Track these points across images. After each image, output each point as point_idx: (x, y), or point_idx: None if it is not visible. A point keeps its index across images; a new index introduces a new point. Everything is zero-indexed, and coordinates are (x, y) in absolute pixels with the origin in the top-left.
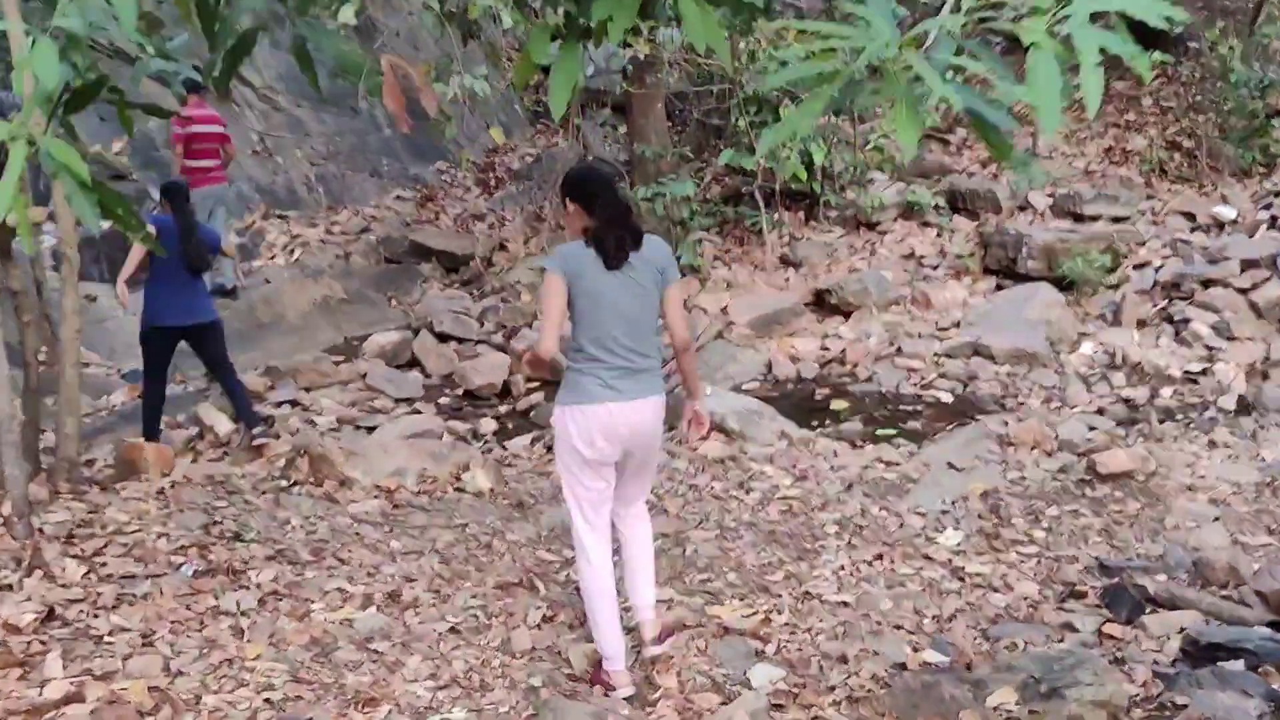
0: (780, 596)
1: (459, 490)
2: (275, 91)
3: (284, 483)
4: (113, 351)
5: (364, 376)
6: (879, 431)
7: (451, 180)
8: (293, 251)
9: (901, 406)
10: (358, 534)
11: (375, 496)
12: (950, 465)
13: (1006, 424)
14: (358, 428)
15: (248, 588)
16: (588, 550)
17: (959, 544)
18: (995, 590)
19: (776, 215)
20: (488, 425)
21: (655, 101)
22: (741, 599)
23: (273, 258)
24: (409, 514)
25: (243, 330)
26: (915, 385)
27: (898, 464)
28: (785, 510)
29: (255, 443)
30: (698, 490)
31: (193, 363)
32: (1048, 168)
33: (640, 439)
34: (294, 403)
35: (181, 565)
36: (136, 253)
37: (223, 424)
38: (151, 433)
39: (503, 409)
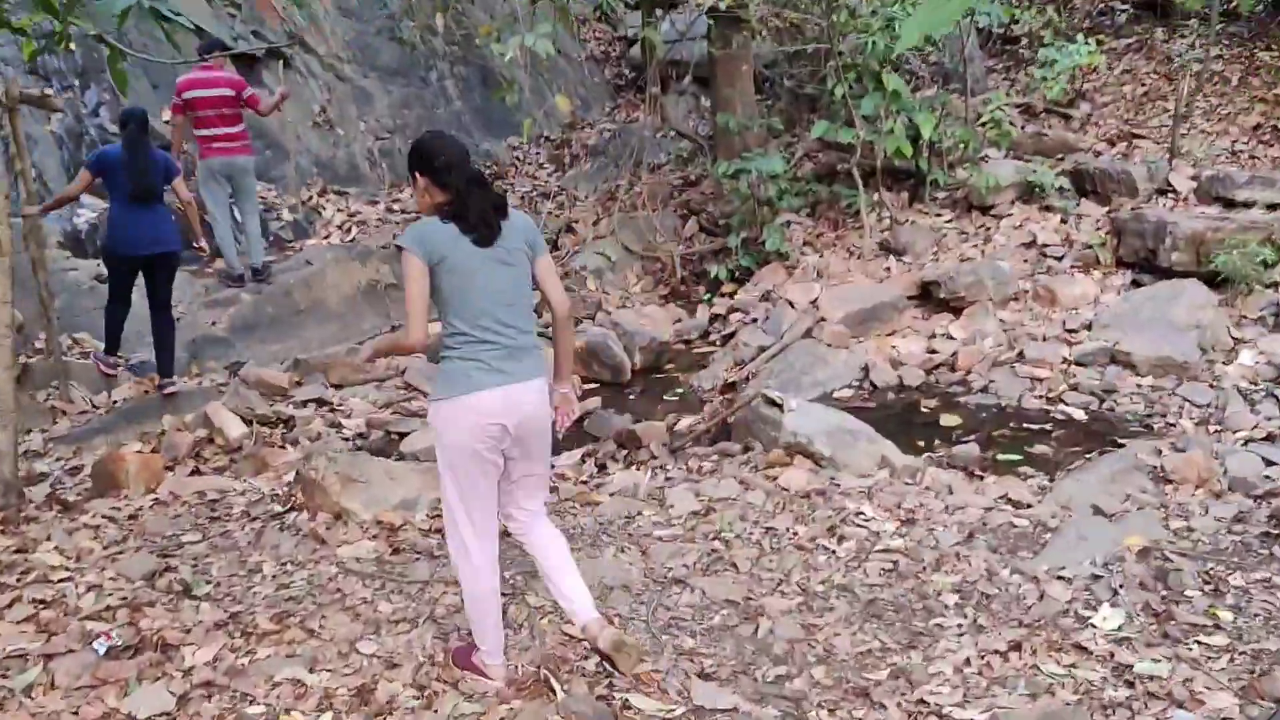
0: (885, 709)
1: None
2: (341, 60)
3: (279, 507)
4: (122, 340)
5: (402, 373)
6: (1000, 457)
7: (524, 156)
8: (349, 230)
9: (1026, 425)
10: (339, 591)
11: (373, 536)
12: (1096, 510)
13: (1160, 453)
14: (389, 434)
15: (173, 675)
16: (471, 553)
17: (1120, 627)
18: (1179, 704)
19: (876, 196)
20: None
21: (741, 67)
22: (831, 711)
23: (328, 237)
24: (410, 563)
25: (276, 316)
26: (1041, 399)
27: (1029, 506)
28: (889, 569)
29: (166, 392)
30: (775, 536)
31: (213, 351)
32: (1185, 146)
33: (532, 424)
34: (320, 402)
35: (96, 639)
36: (74, 186)
37: (234, 427)
38: (111, 347)
39: None
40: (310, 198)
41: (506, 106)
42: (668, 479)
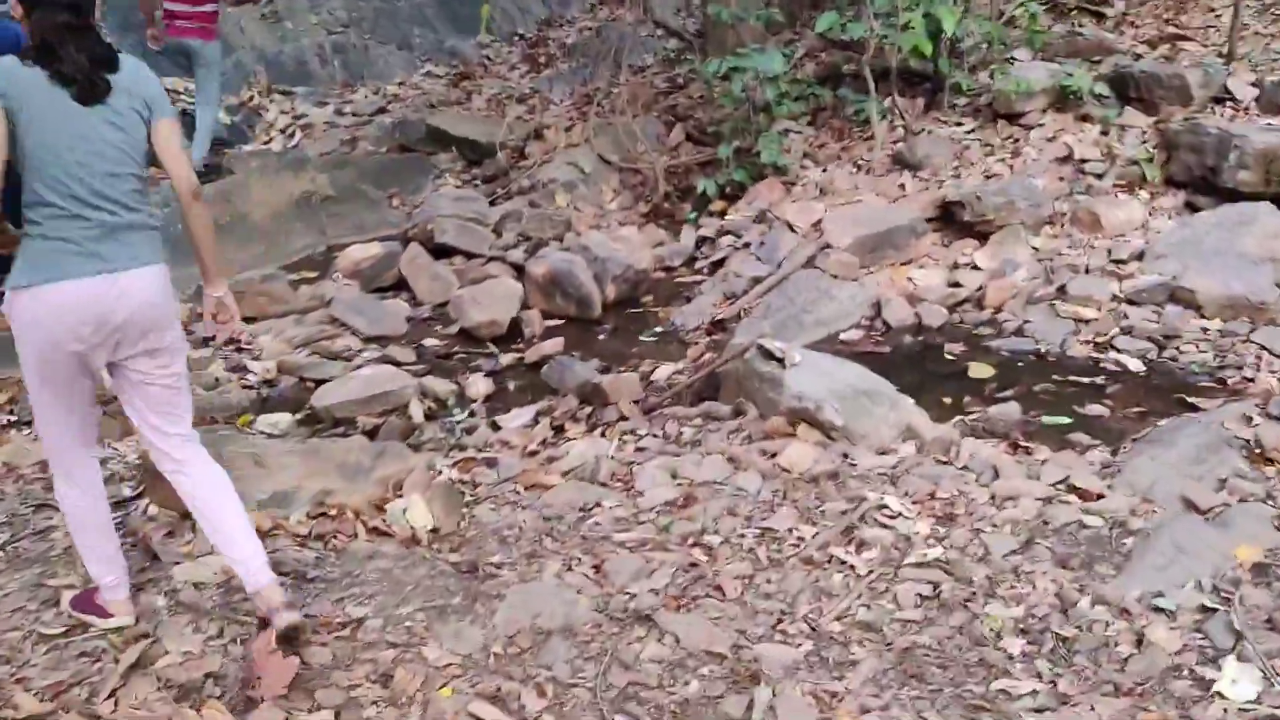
0: None
1: (379, 534)
2: None
3: (128, 491)
4: None
5: (329, 304)
6: (1045, 420)
7: (496, 56)
8: (292, 135)
9: (1073, 377)
10: (144, 659)
11: None
12: (1188, 504)
13: (1251, 421)
14: (302, 382)
15: None
16: (72, 474)
17: (1258, 698)
18: None
19: (889, 101)
20: (479, 385)
21: None
22: None
23: (268, 141)
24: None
25: None
26: (1088, 344)
27: (1099, 496)
28: (927, 594)
29: None
30: (775, 542)
31: None
32: (1242, 49)
33: (140, 321)
34: (228, 341)
35: None
36: None
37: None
38: None
39: (506, 359)
40: (251, 97)
41: (476, 3)
42: (639, 449)
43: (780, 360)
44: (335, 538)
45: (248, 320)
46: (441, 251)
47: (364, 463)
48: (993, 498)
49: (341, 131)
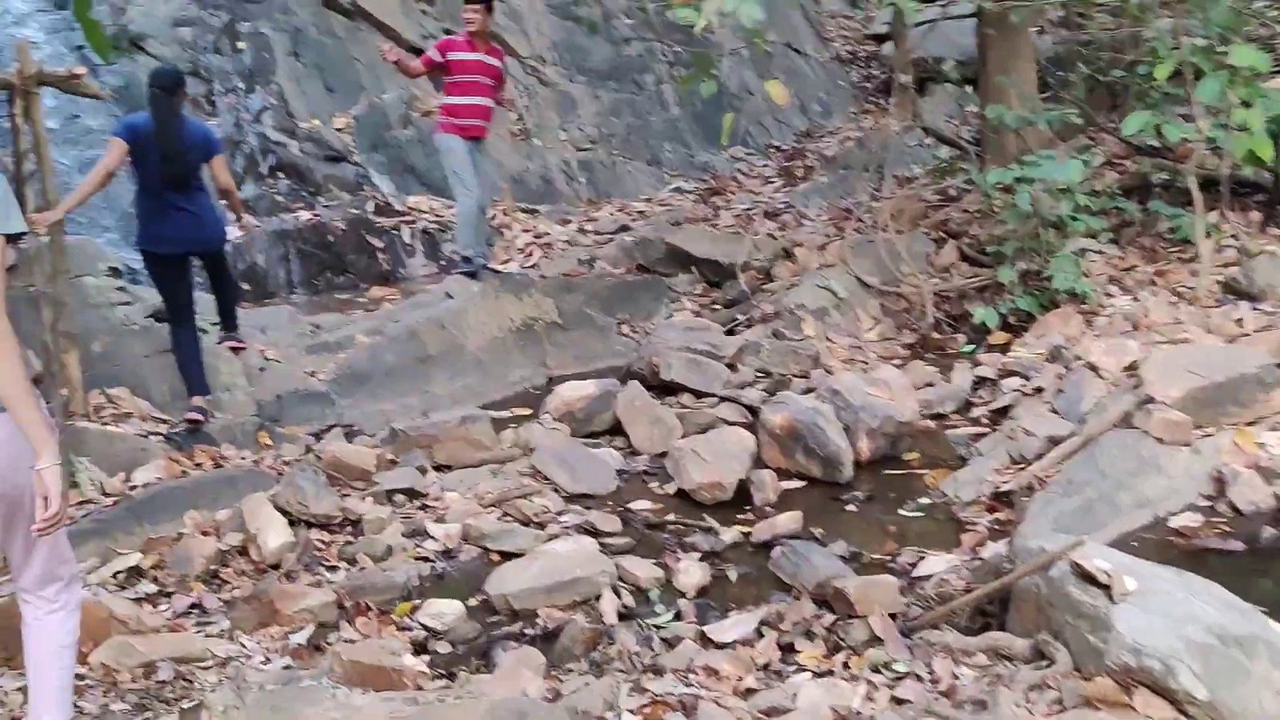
0: None
1: None
2: (544, 63)
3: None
4: (171, 396)
5: (532, 452)
6: None
7: (749, 169)
8: (530, 254)
9: None
10: None
11: None
12: None
13: None
14: (487, 554)
15: None
16: None
17: None
18: None
19: (1216, 216)
20: (692, 573)
21: (1020, 48)
22: None
23: (506, 261)
24: None
25: (397, 366)
26: None
27: None
28: None
29: (230, 345)
30: None
31: (305, 410)
32: None
33: None
34: (412, 493)
35: None
36: (90, 179)
37: (275, 533)
38: (195, 385)
39: (729, 535)
40: (494, 216)
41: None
42: (896, 699)
43: (1105, 586)
44: None
45: (440, 469)
46: (667, 389)
47: None
48: None
49: (580, 251)
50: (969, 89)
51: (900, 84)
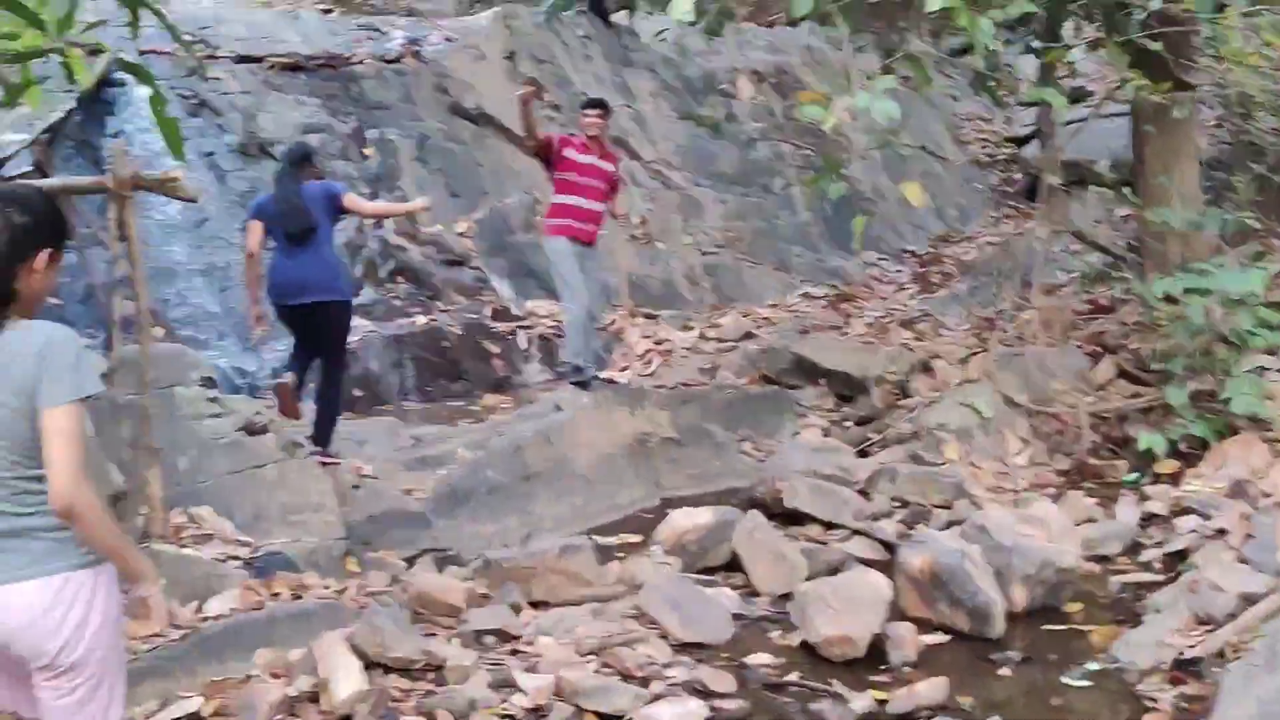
0: None
1: None
2: (670, 166)
3: None
4: (255, 517)
5: (638, 589)
6: None
7: (882, 275)
8: (649, 361)
9: None
10: None
11: None
12: None
13: None
14: (580, 714)
15: None
16: None
17: None
18: None
19: None
20: None
21: (1182, 144)
22: None
23: (624, 368)
24: None
25: (499, 484)
26: None
27: None
28: None
29: (320, 459)
30: None
31: (399, 533)
32: None
33: (27, 644)
34: (502, 635)
35: None
36: (247, 269)
37: (347, 679)
38: (322, 436)
39: (859, 703)
40: (612, 321)
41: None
42: None
43: None
44: None
45: (536, 606)
46: (791, 518)
47: None
48: None
49: (702, 359)
50: (1122, 192)
51: (1048, 186)
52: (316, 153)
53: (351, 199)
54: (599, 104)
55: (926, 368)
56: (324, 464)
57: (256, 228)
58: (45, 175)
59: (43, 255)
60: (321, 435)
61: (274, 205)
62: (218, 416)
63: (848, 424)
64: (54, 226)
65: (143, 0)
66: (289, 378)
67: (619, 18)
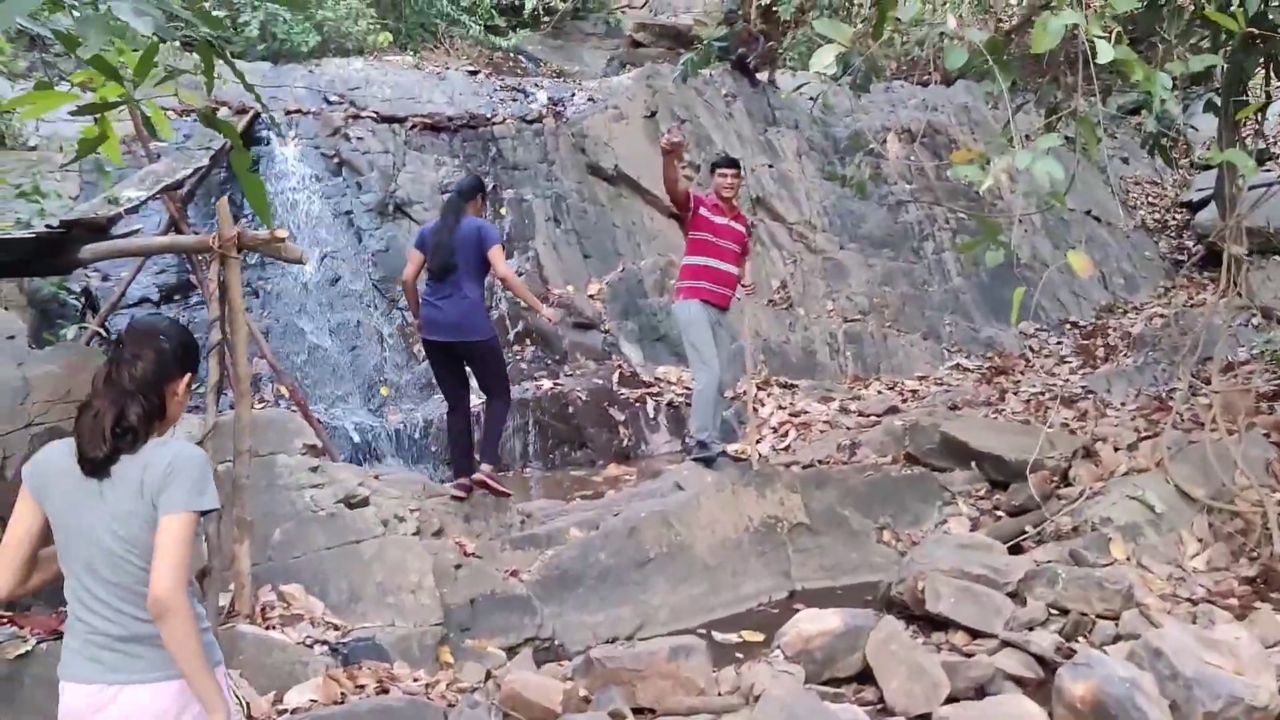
0: None
1: None
2: (813, 229)
3: None
4: (349, 597)
5: (754, 701)
6: None
7: (1040, 347)
8: (785, 434)
9: None
10: None
11: None
12: None
13: None
14: None
15: None
16: None
17: None
18: None
19: None
20: None
21: None
22: None
23: (758, 440)
24: None
25: (611, 567)
26: None
27: None
28: None
29: (480, 478)
30: None
31: (500, 619)
32: None
33: None
34: None
35: None
36: (407, 295)
37: None
38: (460, 466)
39: None
40: (744, 390)
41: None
42: None
43: None
44: None
45: (641, 713)
46: (933, 622)
47: None
48: None
49: (841, 434)
50: None
51: (1230, 255)
52: (487, 189)
53: (495, 254)
54: (734, 163)
55: (1090, 453)
56: (471, 486)
57: (416, 257)
58: (179, 231)
59: (184, 379)
60: (487, 449)
61: (431, 238)
62: (318, 487)
63: (1000, 513)
64: (193, 353)
65: (219, 53)
66: (479, 474)
67: (764, 75)
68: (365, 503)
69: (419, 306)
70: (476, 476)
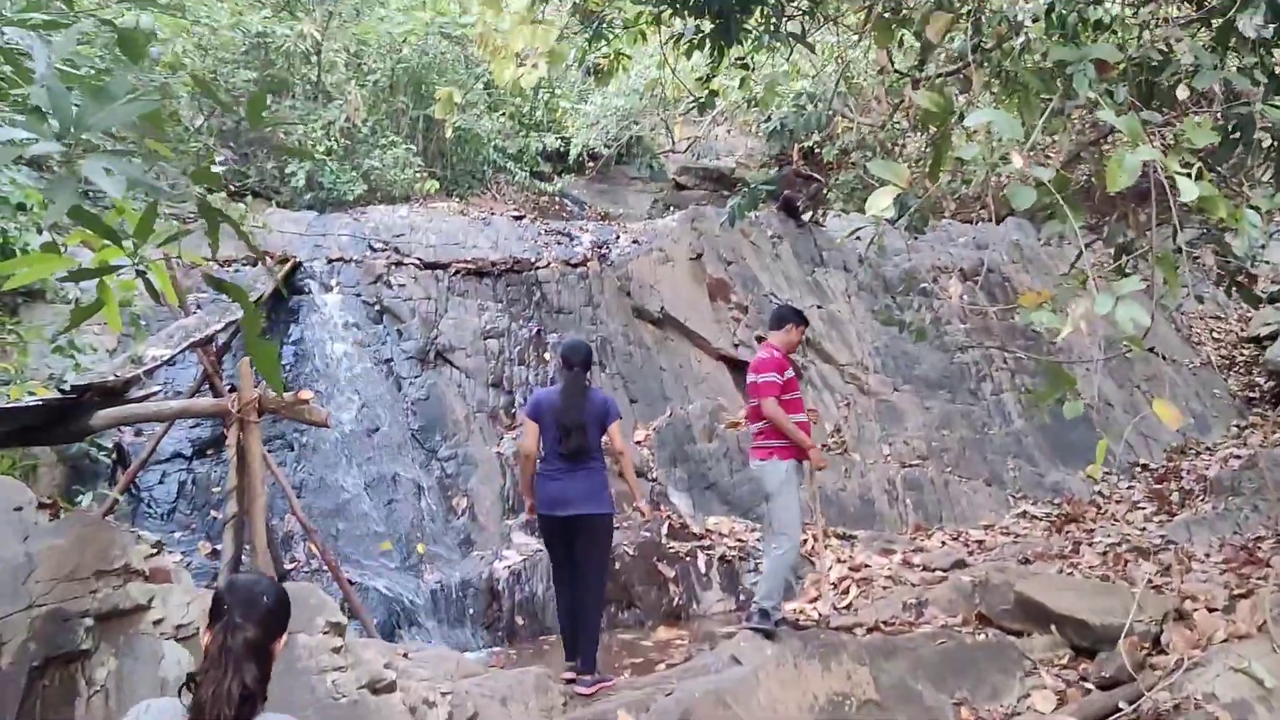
0: None
1: None
2: (866, 370)
3: None
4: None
5: None
6: None
7: (1110, 492)
8: (846, 590)
9: None
10: None
11: None
12: None
13: None
14: None
15: None
16: None
17: None
18: None
19: None
20: None
21: None
22: None
23: (815, 598)
24: None
25: None
26: None
27: None
28: None
29: (580, 690)
30: None
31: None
32: None
33: None
34: None
35: None
36: (521, 469)
37: None
38: (573, 654)
39: None
40: (803, 540)
41: (1088, 429)
42: None
43: None
44: None
45: None
46: None
47: None
48: None
49: (906, 590)
50: None
51: None
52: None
53: (615, 429)
54: (805, 318)
55: (1182, 614)
56: (578, 693)
57: (534, 429)
58: (213, 385)
59: (284, 638)
60: (586, 659)
61: (555, 412)
62: (341, 670)
63: (1087, 685)
64: (289, 610)
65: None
66: (580, 687)
67: (810, 215)
68: (392, 687)
69: (535, 478)
70: (580, 690)
